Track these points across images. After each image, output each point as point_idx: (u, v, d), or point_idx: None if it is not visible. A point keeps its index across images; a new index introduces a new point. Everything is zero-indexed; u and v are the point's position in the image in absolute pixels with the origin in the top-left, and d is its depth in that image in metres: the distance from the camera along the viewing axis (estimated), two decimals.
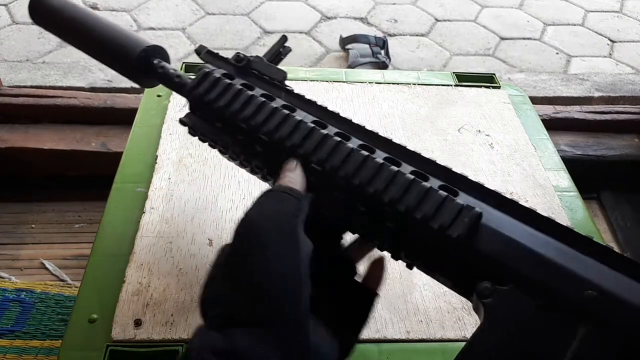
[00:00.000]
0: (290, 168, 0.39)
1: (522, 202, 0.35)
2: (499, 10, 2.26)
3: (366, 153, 0.38)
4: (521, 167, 0.72)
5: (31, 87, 1.45)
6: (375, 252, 0.41)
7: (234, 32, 1.99)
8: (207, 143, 0.46)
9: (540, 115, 0.84)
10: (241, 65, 0.46)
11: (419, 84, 0.85)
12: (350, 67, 1.78)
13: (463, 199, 0.35)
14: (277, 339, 0.30)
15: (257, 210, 0.35)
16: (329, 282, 0.38)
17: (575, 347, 0.28)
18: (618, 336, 0.28)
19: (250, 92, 0.42)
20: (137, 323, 0.50)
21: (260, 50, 1.88)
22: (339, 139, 0.39)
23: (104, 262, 0.56)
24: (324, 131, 0.39)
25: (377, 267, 0.42)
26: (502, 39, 2.07)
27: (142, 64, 0.49)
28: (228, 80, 0.44)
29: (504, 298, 0.31)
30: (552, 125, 1.33)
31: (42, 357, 0.96)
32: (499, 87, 0.86)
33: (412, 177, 0.36)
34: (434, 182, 0.36)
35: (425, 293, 0.55)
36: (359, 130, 0.40)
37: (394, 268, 0.57)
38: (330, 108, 0.42)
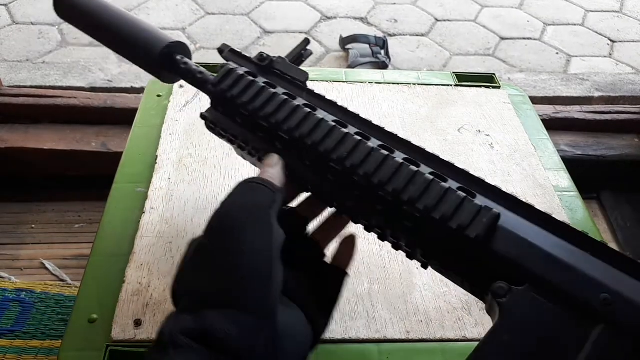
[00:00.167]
0: (270, 163, 0.40)
1: None
2: (499, 10, 2.26)
3: (386, 153, 0.38)
4: (521, 167, 0.72)
5: (31, 87, 1.45)
6: (345, 232, 0.43)
7: (234, 32, 1.99)
8: (225, 139, 0.47)
9: (540, 115, 0.84)
10: (264, 64, 0.46)
11: (419, 84, 0.85)
12: (350, 67, 1.78)
13: (481, 200, 0.35)
14: (248, 317, 0.30)
15: (232, 198, 0.37)
16: (299, 267, 0.39)
17: (588, 348, 0.29)
18: (630, 338, 0.29)
19: (273, 90, 0.43)
20: (137, 323, 0.50)
21: (260, 50, 1.87)
22: (359, 138, 0.39)
23: (104, 262, 0.56)
24: (345, 130, 0.40)
25: (348, 245, 0.43)
26: (502, 39, 2.07)
27: (166, 60, 0.49)
28: (251, 78, 0.44)
29: (520, 298, 0.31)
30: (552, 125, 1.33)
31: (42, 357, 0.97)
32: (499, 87, 0.86)
33: (431, 177, 0.36)
34: (452, 184, 0.36)
35: (425, 293, 0.55)
36: (379, 131, 0.41)
37: (394, 268, 0.57)
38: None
